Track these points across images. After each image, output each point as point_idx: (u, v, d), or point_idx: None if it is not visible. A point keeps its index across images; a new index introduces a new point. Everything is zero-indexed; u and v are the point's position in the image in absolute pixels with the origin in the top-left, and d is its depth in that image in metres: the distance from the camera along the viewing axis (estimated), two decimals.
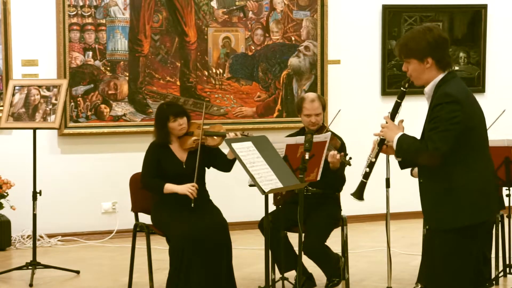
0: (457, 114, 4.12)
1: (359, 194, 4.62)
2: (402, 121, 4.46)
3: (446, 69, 4.26)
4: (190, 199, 5.88)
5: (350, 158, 5.84)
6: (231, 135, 5.95)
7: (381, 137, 4.45)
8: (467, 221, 4.17)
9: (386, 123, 4.41)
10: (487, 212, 4.26)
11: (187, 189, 5.83)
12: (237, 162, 5.82)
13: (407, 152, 4.26)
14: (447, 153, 4.13)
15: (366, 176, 4.56)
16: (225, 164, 6.07)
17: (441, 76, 4.24)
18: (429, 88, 4.27)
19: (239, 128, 8.30)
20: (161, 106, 6.17)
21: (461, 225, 4.17)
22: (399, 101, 4.41)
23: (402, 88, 4.40)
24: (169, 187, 5.89)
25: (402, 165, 4.51)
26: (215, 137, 6.00)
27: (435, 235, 4.28)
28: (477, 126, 4.23)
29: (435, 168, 4.21)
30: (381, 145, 4.47)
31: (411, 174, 6.19)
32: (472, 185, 4.18)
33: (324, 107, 6.15)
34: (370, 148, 4.55)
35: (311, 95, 6.21)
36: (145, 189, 6.04)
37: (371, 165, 4.52)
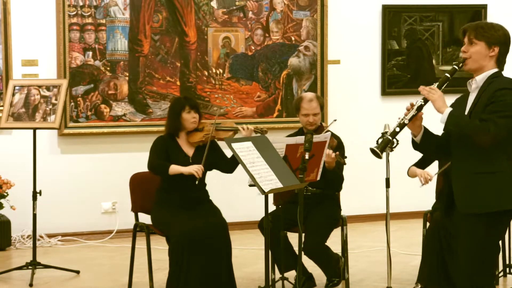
0: None
1: (381, 149, 4.53)
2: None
3: (500, 67, 4.39)
4: (191, 199, 5.91)
5: (345, 157, 5.86)
6: (244, 129, 6.00)
7: (422, 102, 4.43)
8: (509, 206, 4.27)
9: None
10: None
11: (192, 168, 5.85)
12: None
13: (466, 127, 4.28)
14: (506, 138, 4.24)
15: (394, 134, 4.52)
16: (228, 165, 6.08)
17: (495, 70, 4.37)
18: (480, 78, 4.37)
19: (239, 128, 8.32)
20: (178, 97, 6.33)
21: (506, 209, 4.27)
22: (448, 76, 4.48)
23: (454, 66, 4.47)
24: (175, 168, 5.89)
25: (416, 146, 4.55)
26: (226, 131, 6.04)
27: (471, 219, 4.33)
28: None
29: (476, 151, 4.28)
30: (419, 110, 4.46)
31: (408, 174, 6.20)
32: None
33: (322, 107, 6.16)
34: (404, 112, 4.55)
35: (309, 95, 6.22)
36: (151, 171, 6.02)
37: (401, 125, 4.49)
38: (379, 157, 4.52)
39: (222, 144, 5.95)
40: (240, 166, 5.45)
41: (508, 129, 4.22)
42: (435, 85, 4.47)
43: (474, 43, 4.36)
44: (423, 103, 4.46)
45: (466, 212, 4.36)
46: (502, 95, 4.25)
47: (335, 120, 6.10)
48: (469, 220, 4.34)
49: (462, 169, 4.39)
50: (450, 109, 4.34)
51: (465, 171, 4.37)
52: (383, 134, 5.75)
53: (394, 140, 5.56)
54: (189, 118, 6.03)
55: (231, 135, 6.06)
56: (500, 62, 4.38)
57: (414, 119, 4.48)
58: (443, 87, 4.48)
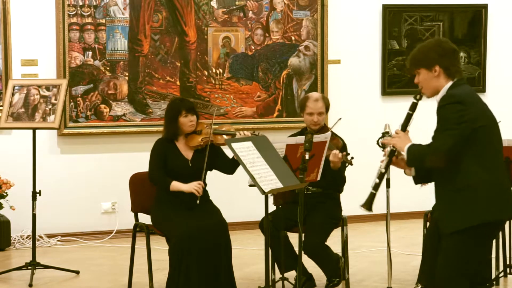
0: (461, 114, 4.22)
1: (369, 205, 4.63)
2: (408, 131, 4.54)
3: (455, 77, 4.38)
4: (192, 198, 5.88)
5: (352, 158, 5.85)
6: (241, 134, 5.98)
7: (392, 147, 4.52)
8: (481, 219, 4.22)
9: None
10: (505, 211, 4.33)
11: (193, 186, 5.83)
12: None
13: (415, 158, 4.36)
14: (450, 152, 4.21)
15: (376, 187, 4.59)
16: (229, 165, 6.08)
17: (449, 83, 4.36)
18: (439, 97, 4.37)
19: (239, 128, 8.31)
20: (174, 100, 6.22)
21: (477, 223, 4.22)
22: (410, 112, 4.52)
23: (414, 100, 4.51)
24: (176, 185, 5.88)
25: (416, 180, 4.58)
26: (224, 136, 6.02)
27: (450, 237, 4.31)
28: (487, 126, 4.31)
29: (447, 169, 4.28)
30: (392, 155, 4.55)
31: (405, 173, 6.19)
32: (487, 183, 4.25)
33: (327, 108, 6.17)
34: (380, 159, 4.61)
35: (315, 94, 6.25)
36: (152, 182, 6.02)
37: (381, 176, 4.58)
38: (371, 211, 4.61)
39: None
40: (240, 166, 5.44)
41: (446, 142, 4.20)
42: (399, 128, 4.51)
43: (417, 73, 4.42)
44: (393, 148, 4.52)
45: (446, 231, 4.35)
46: (441, 112, 4.27)
47: (340, 119, 6.10)
48: (452, 237, 4.31)
49: (439, 187, 4.41)
50: (409, 145, 4.38)
51: (442, 189, 4.39)
52: (384, 134, 5.74)
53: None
54: (187, 122, 6.01)
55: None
56: (452, 73, 4.37)
57: (394, 160, 4.54)
58: (408, 125, 4.51)
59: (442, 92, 4.37)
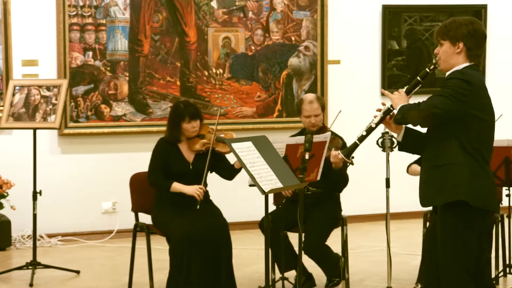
0: (464, 93, 4.26)
1: (348, 153, 4.69)
2: (410, 96, 4.59)
3: (473, 61, 4.40)
4: (193, 200, 5.88)
5: (353, 157, 5.86)
6: None
7: (390, 106, 4.54)
8: (456, 197, 4.28)
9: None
10: (489, 202, 4.37)
11: (195, 190, 5.83)
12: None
13: (402, 111, 4.38)
14: (436, 117, 4.26)
15: (361, 139, 4.63)
16: (228, 172, 6.07)
17: (466, 65, 4.38)
18: (450, 72, 4.40)
19: (239, 128, 8.32)
20: (178, 104, 6.12)
21: (461, 199, 4.27)
22: (419, 79, 4.53)
23: (427, 69, 4.52)
24: (177, 187, 5.88)
25: (400, 146, 4.61)
26: (225, 145, 6.00)
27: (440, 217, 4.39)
28: (485, 120, 4.35)
29: (434, 146, 4.33)
30: (387, 113, 4.55)
31: (407, 172, 6.21)
32: (469, 167, 4.28)
33: (323, 108, 6.17)
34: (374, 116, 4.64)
35: (309, 96, 6.23)
36: (151, 185, 6.02)
37: (369, 130, 4.61)
38: (348, 161, 4.65)
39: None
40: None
41: (440, 106, 4.23)
42: (404, 89, 4.55)
43: (441, 43, 4.42)
44: (390, 107, 4.54)
45: (424, 205, 4.46)
46: (448, 82, 4.31)
47: (340, 112, 6.11)
48: (442, 214, 4.39)
49: (424, 163, 4.47)
50: (403, 103, 4.42)
51: (426, 165, 4.44)
52: (383, 134, 5.75)
53: (394, 140, 5.58)
54: (189, 128, 6.00)
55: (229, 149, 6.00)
56: (472, 56, 4.38)
57: (387, 119, 4.56)
58: (413, 91, 4.54)
59: (456, 69, 4.37)
